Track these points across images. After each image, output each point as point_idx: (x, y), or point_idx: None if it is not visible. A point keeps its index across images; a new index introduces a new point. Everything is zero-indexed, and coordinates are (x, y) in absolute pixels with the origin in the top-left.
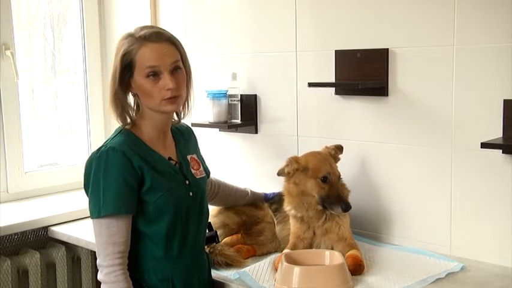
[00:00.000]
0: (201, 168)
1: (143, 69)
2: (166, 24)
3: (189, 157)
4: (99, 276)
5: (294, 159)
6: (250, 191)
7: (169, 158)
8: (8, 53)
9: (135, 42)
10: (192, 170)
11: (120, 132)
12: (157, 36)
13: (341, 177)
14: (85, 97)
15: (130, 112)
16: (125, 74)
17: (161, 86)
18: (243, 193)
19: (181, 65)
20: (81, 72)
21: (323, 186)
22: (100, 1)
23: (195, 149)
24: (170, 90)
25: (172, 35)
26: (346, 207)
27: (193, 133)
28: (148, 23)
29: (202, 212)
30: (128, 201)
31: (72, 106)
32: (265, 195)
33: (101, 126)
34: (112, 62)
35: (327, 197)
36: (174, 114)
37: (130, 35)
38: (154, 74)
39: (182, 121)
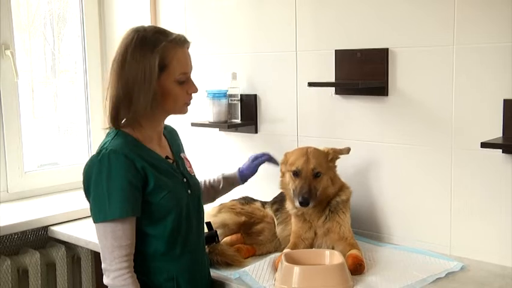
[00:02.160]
0: (192, 167)
1: (177, 74)
2: (166, 24)
3: (182, 155)
4: (106, 281)
5: (285, 154)
6: (223, 177)
7: (167, 157)
8: (7, 52)
9: (170, 47)
10: (187, 168)
11: (117, 133)
12: (185, 42)
13: (318, 174)
14: (85, 97)
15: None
16: None
17: (185, 90)
18: (215, 183)
19: None
20: (81, 72)
21: (294, 179)
22: (100, 1)
23: (182, 149)
24: (192, 95)
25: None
26: (302, 200)
27: (178, 134)
28: (148, 23)
29: (200, 210)
30: (133, 204)
31: (72, 106)
32: (241, 171)
33: (100, 126)
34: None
35: (294, 190)
36: None
37: (158, 36)
38: (184, 79)
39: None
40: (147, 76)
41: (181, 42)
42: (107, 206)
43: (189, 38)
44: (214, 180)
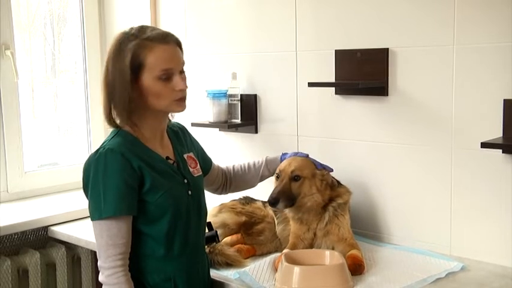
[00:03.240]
0: (198, 167)
1: (156, 71)
2: (166, 23)
3: (185, 156)
4: (101, 278)
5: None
6: (265, 161)
7: (167, 158)
8: (8, 52)
9: (143, 44)
10: (189, 168)
11: (117, 133)
12: (166, 38)
13: (297, 178)
14: (85, 97)
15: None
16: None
17: (171, 87)
18: (258, 166)
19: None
20: (81, 71)
21: (276, 182)
22: (100, 1)
23: (191, 146)
24: (181, 91)
25: (177, 37)
26: (271, 199)
27: (186, 130)
28: (148, 23)
29: (200, 210)
30: (128, 203)
31: (72, 106)
32: (282, 156)
33: (100, 126)
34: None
35: None
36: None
37: (132, 36)
38: (166, 76)
39: (173, 120)
40: (119, 76)
41: (158, 39)
42: (102, 204)
43: (176, 34)
44: (257, 166)
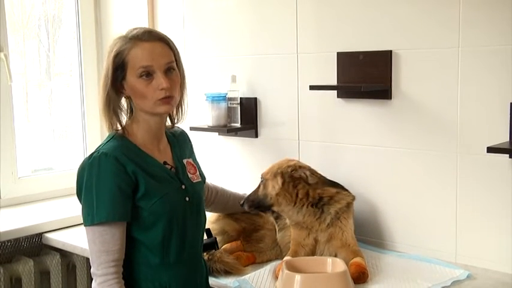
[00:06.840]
0: (198, 173)
1: (136, 69)
2: (164, 25)
3: (185, 161)
4: (93, 285)
5: None
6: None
7: (165, 163)
8: (1, 55)
9: (127, 42)
10: (188, 174)
11: (113, 137)
12: (149, 36)
13: (262, 181)
14: (80, 100)
15: (121, 117)
16: (117, 75)
17: (155, 86)
18: (240, 199)
19: (175, 66)
20: (77, 74)
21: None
22: (96, 2)
23: (191, 153)
24: (164, 90)
25: (165, 35)
26: (242, 201)
27: (188, 137)
28: (146, 25)
29: (199, 217)
30: (121, 208)
31: (67, 109)
32: None
33: (96, 130)
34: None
35: None
36: (168, 119)
37: (121, 36)
38: (148, 74)
39: (177, 126)
40: (104, 76)
41: (139, 37)
42: (94, 209)
43: (171, 34)
44: (240, 196)
